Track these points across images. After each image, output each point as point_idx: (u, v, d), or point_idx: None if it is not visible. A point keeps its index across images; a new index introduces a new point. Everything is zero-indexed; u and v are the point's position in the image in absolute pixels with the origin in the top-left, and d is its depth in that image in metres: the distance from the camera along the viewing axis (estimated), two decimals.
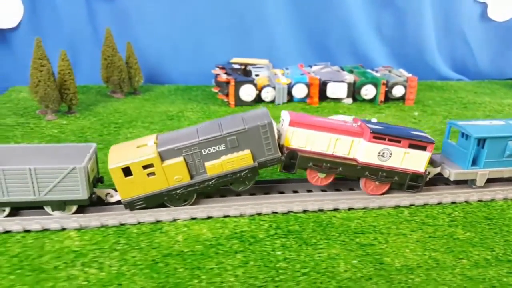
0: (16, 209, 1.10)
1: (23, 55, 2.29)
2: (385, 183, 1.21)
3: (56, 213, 1.09)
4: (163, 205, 1.14)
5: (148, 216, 1.10)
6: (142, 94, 2.24)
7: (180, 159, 1.08)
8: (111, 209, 1.13)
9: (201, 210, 1.13)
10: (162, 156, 1.08)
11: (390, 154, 1.18)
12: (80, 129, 1.73)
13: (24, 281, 0.89)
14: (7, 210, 1.08)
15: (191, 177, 1.10)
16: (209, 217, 1.12)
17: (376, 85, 2.15)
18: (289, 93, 2.13)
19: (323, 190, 1.25)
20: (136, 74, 2.19)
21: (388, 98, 2.18)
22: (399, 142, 1.17)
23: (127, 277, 0.91)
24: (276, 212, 1.15)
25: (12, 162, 1.06)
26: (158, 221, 1.10)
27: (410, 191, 1.23)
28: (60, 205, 1.07)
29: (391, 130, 1.20)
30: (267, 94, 2.10)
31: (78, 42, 2.39)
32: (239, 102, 2.07)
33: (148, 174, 1.07)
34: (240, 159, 1.10)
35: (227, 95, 2.11)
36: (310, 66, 2.37)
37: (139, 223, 1.09)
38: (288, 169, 1.17)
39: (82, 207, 1.11)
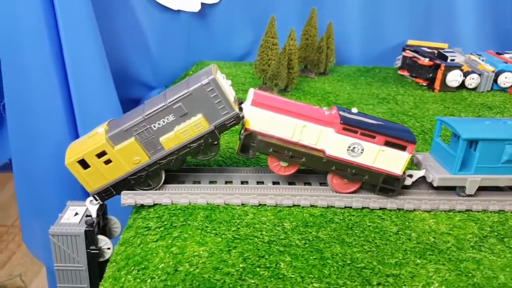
0: None
1: (215, 31, 2.40)
2: (354, 182, 1.12)
3: None
4: None
5: None
6: (331, 74, 2.28)
7: (132, 139, 1.02)
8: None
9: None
10: (113, 141, 1.02)
11: (362, 150, 1.07)
12: None
13: None
14: None
15: (150, 156, 1.05)
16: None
17: None
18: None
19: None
20: (331, 54, 2.22)
21: None
22: (373, 137, 1.05)
23: None
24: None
25: None
26: None
27: (382, 194, 1.11)
28: None
29: (367, 123, 1.07)
30: (472, 81, 2.07)
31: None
32: (444, 88, 2.05)
33: (105, 162, 1.03)
34: (193, 126, 1.02)
35: (426, 79, 2.10)
36: (500, 53, 2.31)
37: None
38: (246, 152, 1.09)
39: None
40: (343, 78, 2.23)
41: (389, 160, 1.07)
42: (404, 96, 1.97)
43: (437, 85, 2.05)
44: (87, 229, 1.09)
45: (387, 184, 1.10)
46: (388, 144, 1.05)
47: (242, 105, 1.08)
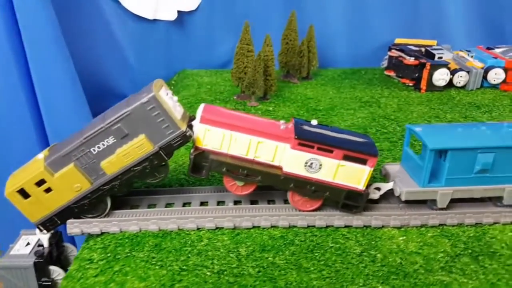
0: None
1: (195, 39, 2.34)
2: (316, 199, 1.04)
3: None
4: None
5: None
6: (314, 78, 2.20)
7: (71, 165, 0.95)
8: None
9: None
10: (52, 168, 0.96)
11: (320, 165, 1.00)
12: (288, 116, 1.72)
13: None
14: None
15: (92, 181, 0.98)
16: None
17: None
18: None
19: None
20: (313, 58, 2.15)
21: None
22: (331, 152, 0.98)
23: None
24: None
25: None
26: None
27: (346, 210, 1.04)
28: None
29: (324, 136, 1.00)
30: (460, 79, 1.98)
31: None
32: (431, 87, 1.96)
33: (45, 191, 0.97)
34: (136, 148, 0.95)
35: (412, 79, 2.02)
36: (490, 48, 2.21)
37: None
38: (198, 172, 1.02)
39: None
40: (326, 82, 2.16)
41: (349, 175, 1.00)
42: (388, 99, 1.89)
43: (423, 84, 1.96)
44: (36, 260, 1.04)
45: (351, 200, 1.02)
46: (347, 158, 0.99)
47: (193, 123, 1.01)
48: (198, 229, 1.03)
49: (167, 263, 0.91)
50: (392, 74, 2.18)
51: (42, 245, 1.07)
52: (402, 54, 2.09)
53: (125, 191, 1.04)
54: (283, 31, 2.07)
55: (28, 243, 1.09)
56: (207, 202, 1.12)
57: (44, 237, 1.06)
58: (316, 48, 2.14)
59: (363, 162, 0.99)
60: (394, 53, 2.15)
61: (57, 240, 1.11)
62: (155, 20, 2.18)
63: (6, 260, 1.04)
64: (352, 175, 1.00)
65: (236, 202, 1.11)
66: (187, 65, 2.37)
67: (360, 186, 1.01)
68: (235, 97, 1.90)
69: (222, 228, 1.03)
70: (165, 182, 1.23)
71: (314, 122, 1.06)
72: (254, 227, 1.04)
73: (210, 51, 2.39)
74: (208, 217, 1.03)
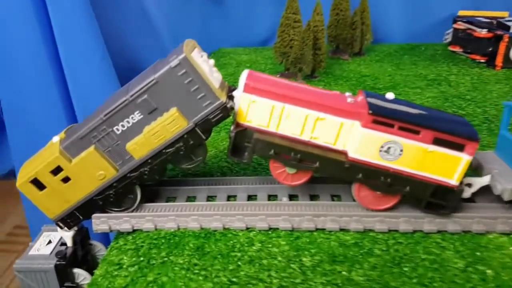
0: None
1: (232, 13, 2.14)
2: (391, 195, 0.79)
3: None
4: None
5: None
6: (367, 54, 1.95)
7: (90, 149, 0.78)
8: None
9: None
10: (69, 153, 0.79)
11: (401, 150, 0.75)
12: None
13: None
14: None
15: (117, 168, 0.79)
16: None
17: None
18: None
19: None
20: (367, 31, 1.90)
21: None
22: (417, 133, 0.75)
23: None
24: None
25: None
26: None
27: (432, 211, 0.80)
28: None
29: (408, 113, 0.76)
30: None
31: None
32: (509, 64, 1.68)
33: (63, 180, 0.80)
34: (167, 125, 0.76)
35: (485, 55, 1.74)
36: None
37: None
38: (239, 155, 0.80)
39: None
40: (382, 58, 1.91)
41: (440, 164, 0.77)
42: (458, 76, 1.63)
43: (499, 61, 1.68)
44: (58, 262, 0.88)
45: (438, 198, 0.79)
46: (438, 142, 0.75)
47: (234, 93, 0.80)
48: (247, 229, 0.84)
49: (212, 273, 0.73)
50: (458, 49, 1.90)
51: (65, 244, 0.92)
52: (471, 26, 1.81)
53: (157, 179, 0.85)
54: (333, 0, 1.84)
55: (50, 241, 0.93)
56: (255, 195, 0.93)
57: (66, 235, 0.90)
58: (370, 19, 1.90)
59: (460, 148, 0.75)
60: (461, 25, 1.88)
61: (83, 238, 0.95)
62: None
63: (25, 262, 0.89)
64: (443, 164, 0.77)
65: (291, 197, 0.92)
66: (224, 43, 2.18)
67: (454, 180, 0.78)
68: (278, 76, 1.69)
69: (277, 229, 0.84)
70: (205, 170, 1.05)
71: (390, 95, 0.81)
72: (317, 229, 0.83)
73: (249, 27, 2.18)
74: (260, 215, 0.84)
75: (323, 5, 1.79)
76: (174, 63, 0.72)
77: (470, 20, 1.87)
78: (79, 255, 0.93)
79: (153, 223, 0.84)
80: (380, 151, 0.77)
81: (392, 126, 0.75)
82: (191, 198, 0.93)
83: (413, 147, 0.76)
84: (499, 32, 1.68)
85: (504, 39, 1.65)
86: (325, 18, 1.83)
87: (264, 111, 0.78)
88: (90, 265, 0.97)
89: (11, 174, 1.79)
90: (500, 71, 1.68)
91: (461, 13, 2.07)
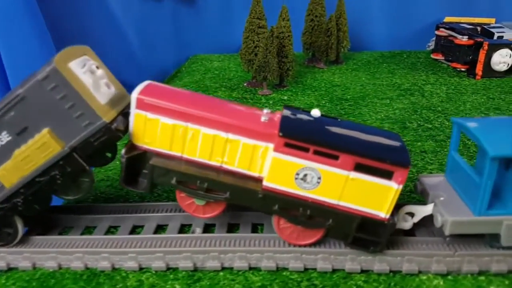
0: None
1: (206, 19, 2.07)
2: (313, 229, 0.69)
3: None
4: None
5: None
6: (345, 62, 1.86)
7: None
8: None
9: None
10: None
11: (319, 178, 0.65)
12: (308, 108, 1.41)
13: None
14: None
15: None
16: None
17: None
18: None
19: None
20: (344, 38, 1.81)
21: None
22: (336, 158, 0.65)
23: None
24: None
25: None
26: None
27: (359, 248, 0.69)
28: None
29: (325, 134, 0.65)
30: None
31: None
32: (489, 73, 1.58)
33: None
34: (37, 149, 0.66)
35: (465, 63, 1.64)
36: None
37: None
38: (133, 183, 0.69)
39: None
40: (359, 66, 1.81)
41: (365, 194, 0.67)
42: (434, 86, 1.53)
43: (479, 69, 1.58)
44: None
45: (367, 233, 0.69)
46: (360, 168, 0.65)
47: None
48: (141, 269, 0.73)
49: None
50: (440, 57, 1.81)
51: None
52: (453, 33, 1.72)
53: (38, 209, 0.73)
54: (308, 5, 1.75)
55: None
56: (166, 225, 0.81)
57: None
58: (348, 26, 1.81)
59: (387, 175, 0.65)
60: (443, 32, 1.78)
61: None
62: None
63: None
64: (369, 194, 0.66)
65: (207, 227, 0.80)
66: (200, 50, 2.10)
67: (382, 212, 0.67)
68: (245, 84, 1.60)
69: (177, 269, 0.72)
70: (119, 194, 0.94)
71: (315, 112, 0.72)
72: (224, 268, 0.72)
73: (226, 33, 2.10)
74: (157, 252, 0.72)
75: (299, 10, 1.72)
76: (41, 75, 0.63)
77: (452, 27, 1.77)
78: None
79: (31, 261, 0.74)
80: (296, 178, 0.67)
81: (307, 150, 0.65)
82: (89, 229, 0.81)
83: (332, 175, 0.66)
84: (479, 39, 1.58)
85: (484, 46, 1.55)
86: (300, 24, 1.76)
87: (164, 130, 0.68)
88: None
89: None
90: (480, 80, 1.58)
91: (447, 19, 1.98)
